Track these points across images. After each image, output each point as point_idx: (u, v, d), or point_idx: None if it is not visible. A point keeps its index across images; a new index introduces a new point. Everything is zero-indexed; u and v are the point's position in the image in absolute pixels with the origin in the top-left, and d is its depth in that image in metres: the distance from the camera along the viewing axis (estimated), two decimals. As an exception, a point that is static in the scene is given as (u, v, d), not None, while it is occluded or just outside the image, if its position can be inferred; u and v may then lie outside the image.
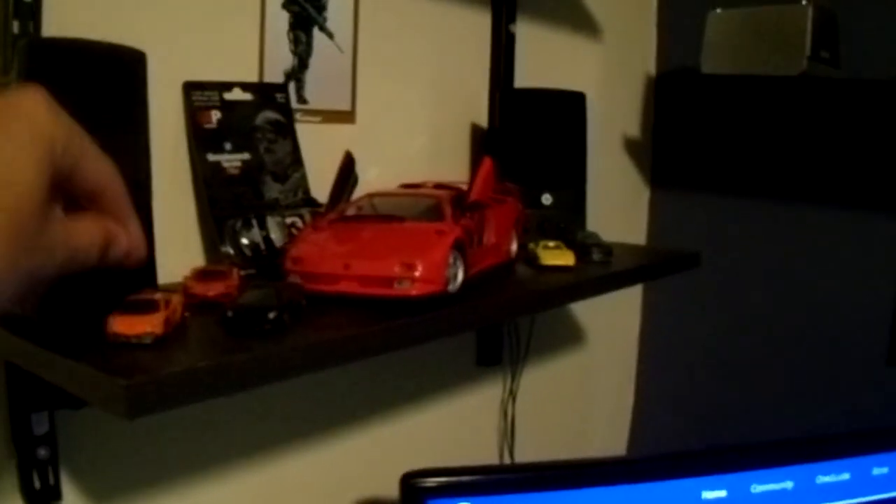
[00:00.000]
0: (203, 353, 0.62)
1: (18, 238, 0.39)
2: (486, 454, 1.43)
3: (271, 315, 0.68)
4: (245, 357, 0.62)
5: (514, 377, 1.42)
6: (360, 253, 0.78)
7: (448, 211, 0.85)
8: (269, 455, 1.08)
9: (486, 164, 0.90)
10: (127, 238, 0.49)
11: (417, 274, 0.75)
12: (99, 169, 0.45)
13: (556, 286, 0.95)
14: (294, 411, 1.10)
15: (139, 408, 0.55)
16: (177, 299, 0.69)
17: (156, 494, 0.97)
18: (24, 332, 0.65)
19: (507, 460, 1.44)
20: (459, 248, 0.81)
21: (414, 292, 0.75)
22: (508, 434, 1.43)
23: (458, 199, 0.88)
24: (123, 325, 0.63)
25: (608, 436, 1.74)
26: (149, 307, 0.64)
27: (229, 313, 0.68)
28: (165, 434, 0.96)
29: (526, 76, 1.35)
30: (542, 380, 1.50)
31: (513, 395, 1.42)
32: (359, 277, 0.76)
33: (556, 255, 1.03)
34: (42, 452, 0.83)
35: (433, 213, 0.85)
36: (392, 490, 1.02)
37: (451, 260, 0.79)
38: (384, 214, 0.85)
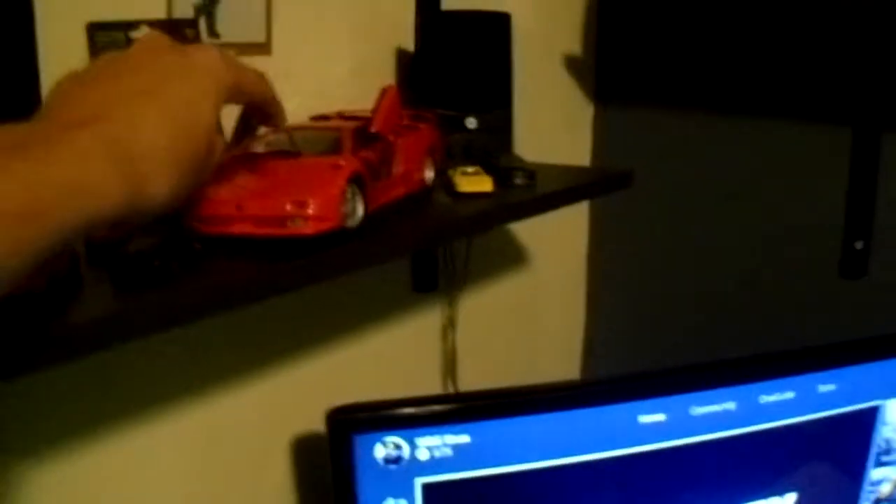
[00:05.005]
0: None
1: (193, 170, 0.51)
2: (429, 386, 1.42)
3: (155, 263, 0.66)
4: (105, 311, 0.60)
5: (453, 303, 1.41)
6: (253, 193, 0.76)
7: (348, 143, 0.83)
8: (198, 396, 1.07)
9: (389, 92, 0.89)
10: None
11: (310, 211, 0.74)
12: (257, 88, 0.60)
13: (469, 214, 0.93)
14: (220, 349, 1.08)
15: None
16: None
17: (80, 447, 0.96)
18: None
19: (451, 392, 1.43)
20: (357, 181, 0.79)
21: (308, 230, 0.74)
22: (450, 364, 1.42)
23: (362, 131, 0.86)
24: None
25: (558, 361, 1.72)
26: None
27: (113, 264, 0.66)
28: (80, 384, 0.93)
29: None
30: (484, 305, 1.48)
31: (453, 322, 1.41)
32: (252, 218, 0.75)
33: (473, 182, 1.01)
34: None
35: (333, 146, 0.83)
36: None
37: (348, 195, 0.77)
38: (281, 150, 0.83)
